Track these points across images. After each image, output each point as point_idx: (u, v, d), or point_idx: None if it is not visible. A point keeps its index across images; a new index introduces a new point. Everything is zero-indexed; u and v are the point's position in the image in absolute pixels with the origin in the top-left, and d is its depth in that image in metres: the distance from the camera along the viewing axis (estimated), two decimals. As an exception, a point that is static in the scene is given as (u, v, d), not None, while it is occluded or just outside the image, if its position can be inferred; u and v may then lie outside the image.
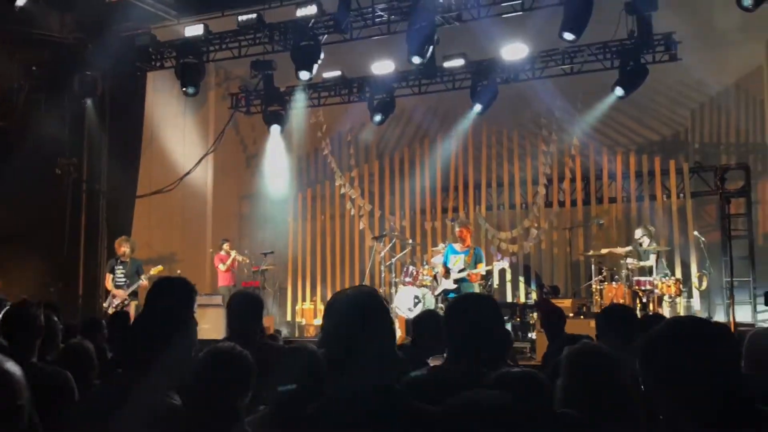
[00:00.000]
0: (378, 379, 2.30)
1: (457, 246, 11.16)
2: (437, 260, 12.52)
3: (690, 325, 2.17)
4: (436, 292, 11.42)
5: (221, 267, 14.36)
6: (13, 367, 1.99)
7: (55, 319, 4.28)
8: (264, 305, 4.96)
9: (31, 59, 13.04)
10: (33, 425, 2.30)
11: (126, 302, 11.72)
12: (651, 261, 12.08)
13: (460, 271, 10.85)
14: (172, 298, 3.89)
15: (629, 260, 12.14)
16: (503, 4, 11.55)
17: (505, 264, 11.96)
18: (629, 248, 12.40)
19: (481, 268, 10.93)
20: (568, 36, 10.93)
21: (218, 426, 2.78)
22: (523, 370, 2.72)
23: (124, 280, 11.87)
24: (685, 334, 2.11)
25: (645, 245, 12.18)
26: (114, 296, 11.84)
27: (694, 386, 2.00)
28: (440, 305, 11.43)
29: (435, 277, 11.80)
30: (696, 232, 13.06)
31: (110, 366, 4.93)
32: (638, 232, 12.38)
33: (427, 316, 5.27)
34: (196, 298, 4.00)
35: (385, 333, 2.36)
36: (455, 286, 10.79)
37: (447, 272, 11.04)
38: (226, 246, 14.46)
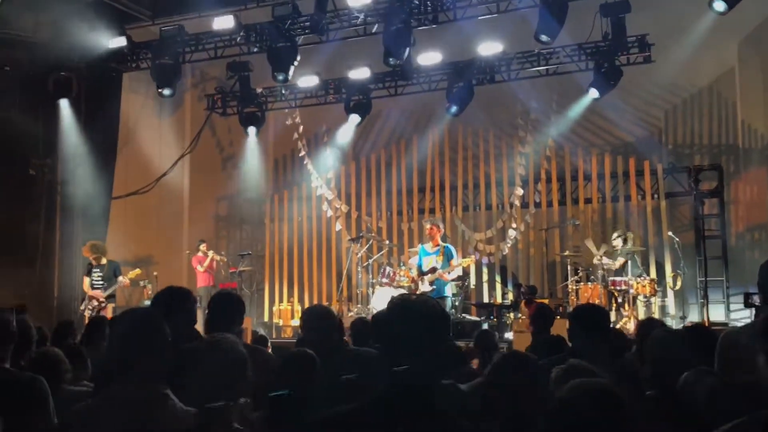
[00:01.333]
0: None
1: (428, 246, 11.13)
2: (414, 261, 12.55)
3: None
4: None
5: (199, 268, 14.36)
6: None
7: (30, 324, 4.25)
8: (243, 306, 4.94)
9: (5, 59, 12.88)
10: None
11: (103, 304, 11.63)
12: (618, 263, 12.21)
13: (432, 270, 10.81)
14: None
15: (605, 260, 12.25)
16: (479, 6, 11.59)
17: (483, 260, 11.93)
18: (604, 247, 12.51)
19: (454, 263, 10.92)
20: (544, 38, 11.01)
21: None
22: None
23: (101, 282, 11.78)
24: None
25: (618, 247, 12.30)
26: (91, 298, 11.75)
27: None
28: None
29: (414, 281, 11.80)
30: (670, 233, 13.18)
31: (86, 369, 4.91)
32: (615, 235, 12.50)
33: None
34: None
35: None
36: (432, 287, 10.78)
37: (420, 275, 11.01)
38: (203, 247, 14.46)
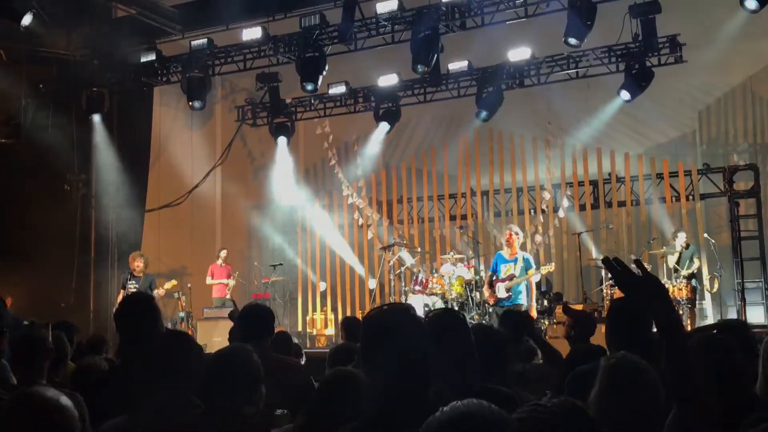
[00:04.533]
0: None
1: (506, 253, 10.97)
2: (446, 269, 12.49)
3: None
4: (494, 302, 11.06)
5: (208, 280, 14.08)
6: (66, 401, 1.98)
7: (65, 339, 4.28)
8: (275, 317, 4.91)
9: (38, 77, 13.10)
10: None
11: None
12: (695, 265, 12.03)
13: (510, 278, 10.67)
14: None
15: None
16: (507, 11, 11.55)
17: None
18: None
19: (532, 275, 10.77)
20: (573, 41, 10.93)
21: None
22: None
23: (135, 295, 11.85)
24: None
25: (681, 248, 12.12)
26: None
27: None
28: (490, 311, 11.37)
29: (472, 285, 11.77)
30: (706, 234, 13.00)
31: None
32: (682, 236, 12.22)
33: None
34: None
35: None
36: (508, 294, 10.69)
37: (492, 282, 10.86)
38: (223, 254, 14.22)
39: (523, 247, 14.51)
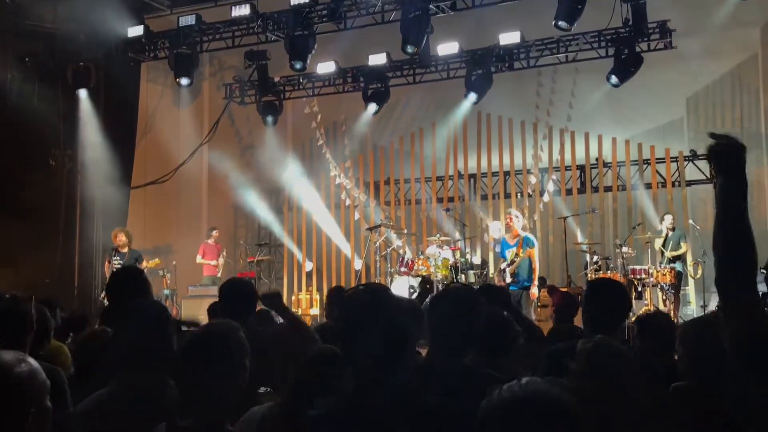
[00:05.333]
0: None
1: (508, 238, 10.96)
2: (432, 251, 12.51)
3: None
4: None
5: (198, 258, 14.07)
6: (23, 369, 1.91)
7: (48, 314, 4.25)
8: (256, 294, 4.85)
9: (24, 50, 12.98)
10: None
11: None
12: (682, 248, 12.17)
13: (512, 262, 10.70)
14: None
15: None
16: (497, -7, 11.53)
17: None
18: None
19: (531, 253, 10.72)
20: (563, 25, 10.93)
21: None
22: None
23: (120, 271, 11.80)
24: None
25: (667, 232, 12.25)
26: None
27: None
28: None
29: (457, 267, 11.73)
30: (691, 221, 13.06)
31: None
32: (669, 218, 12.42)
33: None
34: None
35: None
36: (513, 279, 10.70)
37: (502, 269, 10.89)
38: (214, 233, 14.23)
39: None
